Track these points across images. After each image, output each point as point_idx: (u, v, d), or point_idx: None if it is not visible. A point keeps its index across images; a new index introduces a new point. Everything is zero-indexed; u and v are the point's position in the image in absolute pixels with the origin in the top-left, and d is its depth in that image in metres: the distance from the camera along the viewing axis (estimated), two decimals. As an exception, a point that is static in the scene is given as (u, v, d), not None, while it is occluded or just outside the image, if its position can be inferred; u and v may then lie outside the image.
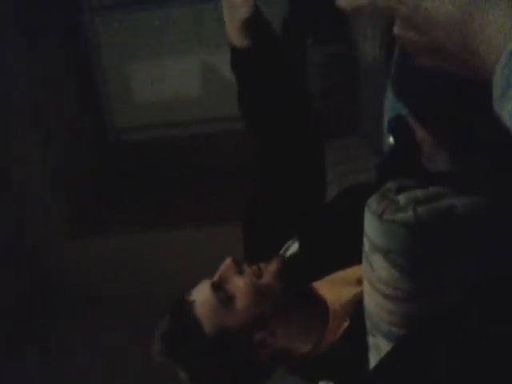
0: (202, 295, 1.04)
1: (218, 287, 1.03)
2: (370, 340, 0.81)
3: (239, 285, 1.01)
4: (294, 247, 1.15)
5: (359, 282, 0.97)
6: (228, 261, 1.06)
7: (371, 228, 0.74)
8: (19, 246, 2.61)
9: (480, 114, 0.95)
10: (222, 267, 1.06)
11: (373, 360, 0.81)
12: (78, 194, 2.84)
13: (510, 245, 0.74)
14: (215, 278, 1.05)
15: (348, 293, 0.99)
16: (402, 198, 0.75)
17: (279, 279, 1.04)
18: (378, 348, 0.78)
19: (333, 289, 1.04)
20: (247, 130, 1.20)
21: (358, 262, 0.93)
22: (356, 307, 0.92)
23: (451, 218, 0.73)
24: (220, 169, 2.73)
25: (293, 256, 1.14)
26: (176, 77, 2.89)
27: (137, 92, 3.01)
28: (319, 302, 1.03)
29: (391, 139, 1.13)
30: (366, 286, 0.78)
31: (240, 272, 1.04)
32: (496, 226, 0.76)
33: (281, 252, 1.16)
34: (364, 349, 0.84)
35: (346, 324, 0.98)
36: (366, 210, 0.75)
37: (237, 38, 1.06)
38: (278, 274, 1.04)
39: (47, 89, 2.59)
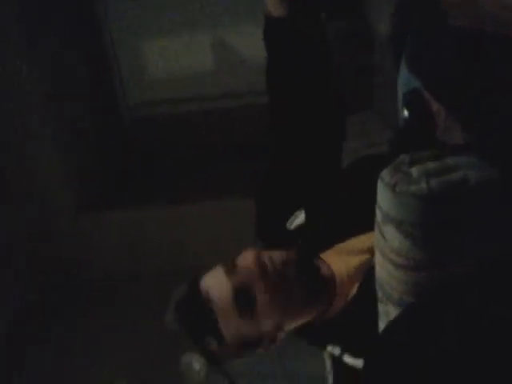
0: (220, 293, 1.01)
1: (239, 292, 0.99)
2: (381, 308, 0.83)
3: (265, 300, 0.99)
4: (300, 218, 1.16)
5: (366, 250, 0.99)
6: (251, 262, 1.01)
7: (384, 199, 0.76)
8: (30, 221, 2.64)
9: (495, 87, 0.96)
10: (245, 270, 1.01)
11: (382, 327, 0.84)
12: (90, 169, 2.87)
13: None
14: (237, 280, 1.00)
15: (355, 261, 1.01)
16: (415, 171, 0.76)
17: (300, 285, 1.01)
18: (388, 315, 0.80)
19: (340, 258, 1.05)
20: (271, 101, 1.20)
21: (365, 231, 0.95)
22: (365, 275, 0.94)
23: (464, 190, 0.74)
24: (233, 144, 2.74)
25: (300, 226, 1.15)
26: (189, 52, 2.88)
27: (149, 68, 3.01)
28: (327, 279, 1.04)
29: (406, 112, 1.14)
30: (378, 256, 0.80)
31: (264, 275, 0.99)
32: (509, 198, 0.77)
33: (287, 224, 1.17)
34: (373, 315, 0.86)
35: (354, 291, 1.00)
36: (379, 181, 0.77)
37: (274, 7, 1.07)
38: (300, 280, 1.01)
39: (58, 64, 2.59)
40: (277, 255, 1.02)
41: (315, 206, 1.15)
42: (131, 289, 2.65)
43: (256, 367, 2.03)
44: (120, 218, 2.73)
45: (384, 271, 0.80)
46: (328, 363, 1.17)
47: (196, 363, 2.01)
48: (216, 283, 1.02)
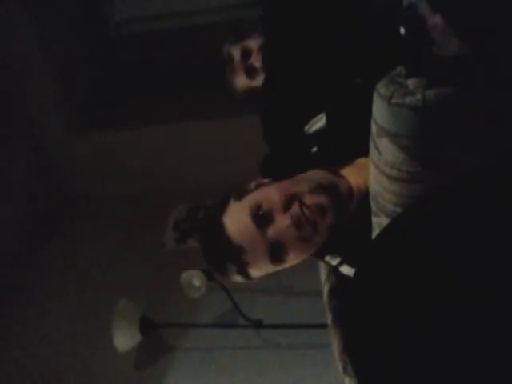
0: (255, 249, 0.98)
1: (274, 248, 0.98)
2: (374, 220, 0.85)
3: (296, 252, 0.99)
4: (320, 123, 1.13)
5: None
6: (280, 206, 0.98)
7: (379, 112, 0.76)
8: (23, 141, 2.63)
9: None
10: (267, 202, 0.98)
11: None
12: (78, 88, 2.82)
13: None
14: (271, 239, 0.98)
15: None
16: (410, 83, 0.75)
17: (331, 232, 1.00)
18: (381, 227, 0.82)
19: (360, 172, 1.03)
20: None
21: None
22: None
23: (459, 101, 0.74)
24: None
25: (320, 130, 1.12)
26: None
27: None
28: (346, 199, 1.03)
29: (402, 29, 1.11)
30: (373, 169, 0.81)
31: (298, 227, 0.97)
32: (502, 110, 0.77)
33: (306, 128, 1.15)
34: (370, 227, 0.88)
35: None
36: (375, 94, 0.76)
37: None
38: (332, 228, 0.99)
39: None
40: (311, 200, 0.98)
41: (339, 110, 1.11)
42: (123, 207, 2.69)
43: (252, 283, 2.10)
44: (106, 139, 2.73)
45: (378, 184, 0.81)
46: (323, 275, 1.21)
47: (196, 280, 2.07)
48: (247, 236, 0.99)
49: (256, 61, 1.57)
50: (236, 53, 1.61)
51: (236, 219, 1.00)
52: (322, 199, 0.98)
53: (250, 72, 1.59)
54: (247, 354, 1.97)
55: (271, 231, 0.97)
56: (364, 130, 0.89)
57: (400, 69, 0.79)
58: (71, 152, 2.75)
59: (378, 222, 0.83)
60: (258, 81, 1.55)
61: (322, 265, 1.19)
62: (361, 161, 1.05)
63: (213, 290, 2.01)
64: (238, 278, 1.06)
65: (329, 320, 1.17)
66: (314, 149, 1.13)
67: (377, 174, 0.80)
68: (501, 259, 0.53)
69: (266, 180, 1.07)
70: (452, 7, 0.97)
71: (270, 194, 0.99)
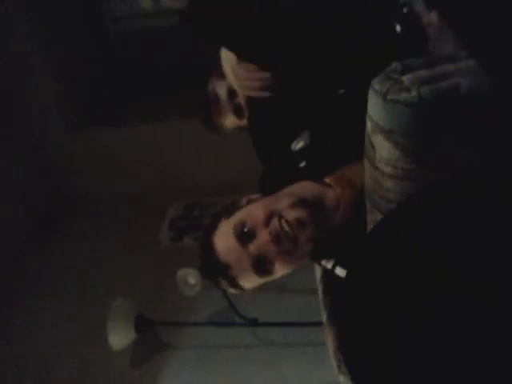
0: (240, 264, 1.05)
1: (257, 262, 1.04)
2: (369, 218, 0.85)
3: (281, 263, 1.04)
4: (304, 139, 1.16)
5: None
6: (262, 224, 1.03)
7: (374, 108, 0.75)
8: (23, 141, 2.63)
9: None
10: (251, 220, 1.04)
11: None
12: (78, 87, 2.81)
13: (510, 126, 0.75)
14: (254, 254, 1.04)
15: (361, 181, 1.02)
16: (406, 79, 0.75)
17: (315, 243, 1.05)
18: (376, 224, 0.82)
19: (347, 182, 1.07)
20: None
21: None
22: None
23: (454, 98, 0.73)
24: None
25: (305, 146, 1.15)
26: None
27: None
28: (333, 208, 1.06)
29: (398, 26, 1.11)
30: (367, 166, 0.81)
31: (277, 241, 1.02)
32: (498, 107, 0.77)
33: (292, 146, 1.17)
34: (364, 227, 0.88)
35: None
36: (370, 90, 0.76)
37: None
38: (313, 240, 1.04)
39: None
40: (290, 215, 1.02)
41: (320, 126, 1.14)
42: (121, 206, 2.69)
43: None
44: (106, 137, 2.72)
45: (372, 181, 0.81)
46: (319, 273, 1.21)
47: (191, 278, 2.07)
48: (232, 254, 1.06)
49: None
50: (222, 91, 1.55)
51: (223, 238, 1.08)
52: (301, 213, 1.02)
53: (239, 111, 1.54)
54: (242, 352, 1.97)
55: (253, 247, 1.04)
56: (348, 139, 0.91)
57: (395, 65, 0.78)
58: (71, 152, 2.75)
59: (373, 220, 0.83)
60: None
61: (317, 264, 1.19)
62: (347, 169, 1.09)
63: (208, 288, 2.00)
64: (233, 290, 1.13)
65: (324, 318, 1.17)
66: (303, 164, 1.16)
67: (371, 170, 0.79)
68: (495, 256, 0.52)
69: (256, 196, 1.13)
70: (447, 5, 0.97)
71: (253, 211, 1.06)
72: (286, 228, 1.01)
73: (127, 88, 2.93)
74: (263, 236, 1.02)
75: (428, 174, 0.76)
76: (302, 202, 1.03)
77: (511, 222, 0.57)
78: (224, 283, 1.10)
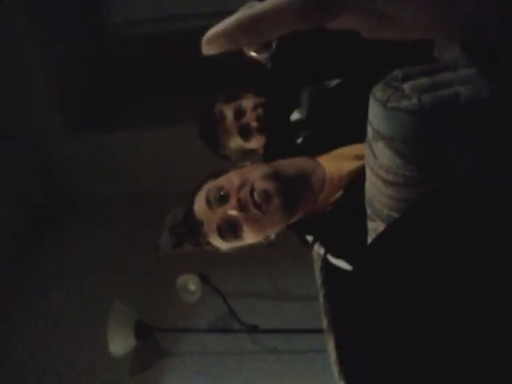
0: (209, 226, 1.16)
1: (223, 226, 1.13)
2: (370, 225, 0.85)
3: (247, 229, 1.11)
4: (300, 114, 1.19)
5: (361, 157, 1.03)
6: (235, 178, 1.12)
7: (375, 116, 0.75)
8: (23, 141, 2.63)
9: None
10: (228, 185, 1.12)
11: (371, 243, 0.86)
12: (80, 90, 2.82)
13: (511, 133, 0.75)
14: (220, 217, 1.13)
15: (349, 166, 1.06)
16: (407, 86, 0.75)
17: (286, 214, 1.11)
18: (376, 231, 0.82)
19: (334, 162, 1.12)
20: None
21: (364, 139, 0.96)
22: (352, 179, 0.99)
23: (455, 106, 0.73)
24: (222, 65, 2.68)
25: (300, 121, 1.19)
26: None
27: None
28: (316, 185, 1.12)
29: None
30: (368, 173, 0.81)
31: (245, 209, 1.09)
32: (499, 115, 0.77)
33: (292, 116, 1.22)
34: (353, 220, 0.88)
35: (340, 193, 1.06)
36: (371, 98, 0.76)
37: None
38: (283, 210, 1.10)
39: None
40: (259, 185, 1.09)
41: (318, 104, 1.19)
42: (122, 209, 2.68)
43: (248, 287, 2.09)
44: (106, 140, 2.72)
45: (373, 188, 0.81)
46: (319, 279, 1.20)
47: (191, 284, 2.07)
48: (202, 215, 1.18)
49: (251, 120, 1.52)
50: (229, 112, 1.58)
51: (200, 198, 1.20)
52: (269, 185, 1.08)
53: (245, 133, 1.56)
54: (242, 359, 1.96)
55: (220, 212, 1.12)
56: (344, 121, 0.94)
57: (396, 72, 0.79)
58: (71, 152, 2.75)
59: (374, 227, 0.83)
60: (254, 143, 1.55)
61: (317, 269, 1.19)
62: (337, 151, 1.15)
63: (208, 294, 2.01)
64: (209, 248, 1.23)
65: (324, 324, 1.17)
66: (300, 139, 1.20)
67: (372, 178, 0.79)
68: (497, 262, 0.52)
69: (246, 164, 1.21)
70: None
71: (232, 177, 1.14)
72: (256, 196, 1.08)
73: (127, 89, 2.93)
74: (232, 202, 1.09)
75: (429, 181, 0.76)
76: (273, 175, 1.09)
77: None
78: (200, 238, 1.21)
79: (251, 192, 1.08)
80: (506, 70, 0.84)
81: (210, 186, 1.17)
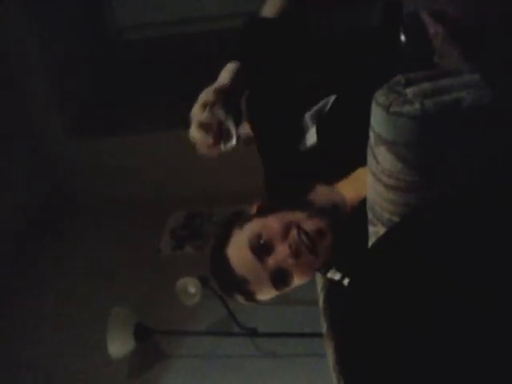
0: (259, 280, 1.02)
1: (276, 276, 1.02)
2: (371, 229, 0.85)
3: (300, 275, 1.03)
4: (312, 138, 1.13)
5: None
6: (280, 236, 1.01)
7: (377, 120, 0.75)
8: (23, 141, 2.63)
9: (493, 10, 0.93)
10: (267, 232, 1.01)
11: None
12: (82, 93, 2.82)
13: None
14: (272, 268, 1.01)
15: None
16: (409, 91, 0.75)
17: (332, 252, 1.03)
18: (377, 235, 0.82)
19: (352, 186, 1.05)
20: None
21: None
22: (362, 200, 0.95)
23: (457, 111, 0.74)
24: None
25: (312, 148, 1.12)
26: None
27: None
28: (343, 213, 1.06)
29: (403, 36, 1.11)
30: (370, 178, 0.81)
31: (297, 255, 1.00)
32: (501, 120, 0.77)
33: (301, 146, 1.14)
34: (365, 236, 0.88)
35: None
36: (373, 102, 0.76)
37: None
38: (331, 249, 1.02)
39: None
40: (309, 225, 1.00)
41: (327, 125, 1.11)
42: (121, 211, 2.68)
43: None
44: (107, 142, 2.72)
45: (375, 193, 0.81)
46: (320, 283, 1.20)
47: (191, 287, 2.06)
48: (249, 267, 1.02)
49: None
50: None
51: (238, 251, 1.04)
52: (320, 223, 1.01)
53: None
54: (241, 362, 1.96)
55: (271, 261, 1.01)
56: (355, 143, 0.90)
57: (399, 78, 0.79)
58: (71, 153, 2.75)
59: (375, 231, 0.83)
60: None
61: (317, 273, 1.19)
62: (354, 175, 1.07)
63: (208, 297, 2.00)
64: (248, 303, 1.11)
65: (324, 329, 1.16)
66: (309, 165, 1.14)
67: (374, 182, 0.80)
68: (497, 266, 0.52)
69: (264, 202, 1.10)
70: (453, 17, 0.97)
71: (269, 222, 1.03)
72: (305, 239, 0.99)
73: (128, 90, 2.93)
74: (282, 249, 1.00)
75: (430, 186, 0.76)
76: (319, 211, 1.02)
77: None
78: (240, 297, 1.08)
79: (299, 235, 0.99)
80: (508, 76, 0.84)
81: (244, 235, 1.03)
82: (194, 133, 1.02)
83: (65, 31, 2.68)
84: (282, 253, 1.00)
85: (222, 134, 1.02)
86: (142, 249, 2.48)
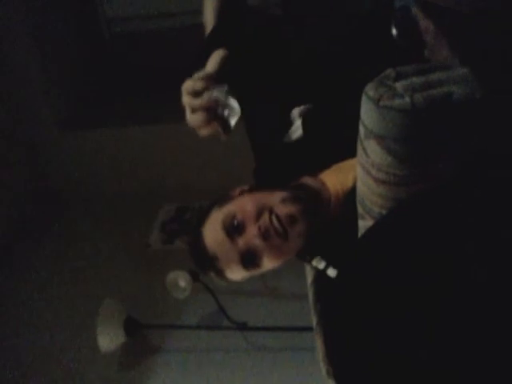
0: (227, 258, 1.06)
1: (245, 256, 1.04)
2: (361, 223, 0.85)
3: (269, 258, 1.05)
4: (298, 132, 1.14)
5: None
6: (252, 218, 1.03)
7: (367, 114, 0.75)
8: (13, 139, 2.62)
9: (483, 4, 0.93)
10: (241, 213, 1.04)
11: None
12: (71, 86, 2.80)
13: (504, 132, 0.75)
14: (242, 248, 1.04)
15: (351, 179, 1.02)
16: (399, 85, 0.75)
17: (305, 239, 1.05)
18: (367, 230, 0.82)
19: (337, 177, 1.07)
20: None
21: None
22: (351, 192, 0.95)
23: (447, 105, 0.74)
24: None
25: (298, 140, 1.13)
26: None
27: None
28: (325, 203, 1.07)
29: (394, 30, 1.11)
30: (359, 172, 0.81)
31: (267, 237, 1.02)
32: (491, 114, 0.77)
33: (285, 138, 1.15)
34: (355, 230, 0.88)
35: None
36: (363, 96, 0.75)
37: None
38: (302, 236, 1.04)
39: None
40: (281, 210, 1.02)
41: (314, 117, 1.12)
42: (111, 206, 2.68)
43: (239, 285, 2.09)
44: (99, 138, 2.70)
45: (365, 187, 0.80)
46: (310, 277, 1.20)
47: (181, 281, 2.06)
48: (220, 246, 1.06)
49: None
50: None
51: (211, 229, 1.08)
52: (292, 209, 1.03)
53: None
54: (232, 356, 1.96)
55: (241, 242, 1.04)
56: (341, 135, 0.90)
57: (389, 71, 0.79)
58: (63, 151, 2.73)
59: (365, 225, 0.83)
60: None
61: (308, 267, 1.19)
62: (338, 165, 1.09)
63: (198, 291, 2.00)
64: (220, 281, 1.14)
65: (314, 323, 1.17)
66: (295, 156, 1.15)
67: (364, 176, 0.79)
68: (487, 259, 0.52)
69: (248, 187, 1.12)
70: (443, 12, 0.97)
71: (244, 204, 1.06)
72: (276, 223, 1.01)
73: (122, 88, 2.92)
74: (251, 229, 1.03)
75: (420, 180, 0.76)
76: (293, 198, 1.04)
77: (504, 226, 0.57)
78: (211, 274, 1.11)
79: (271, 219, 1.02)
80: (499, 70, 0.85)
81: (220, 215, 1.07)
82: (192, 117, 1.02)
83: (55, 25, 2.67)
84: (250, 233, 1.03)
85: (223, 114, 1.03)
86: (132, 243, 2.47)
